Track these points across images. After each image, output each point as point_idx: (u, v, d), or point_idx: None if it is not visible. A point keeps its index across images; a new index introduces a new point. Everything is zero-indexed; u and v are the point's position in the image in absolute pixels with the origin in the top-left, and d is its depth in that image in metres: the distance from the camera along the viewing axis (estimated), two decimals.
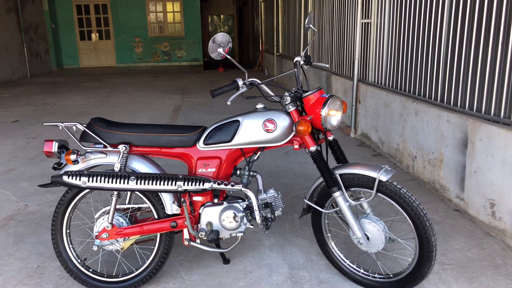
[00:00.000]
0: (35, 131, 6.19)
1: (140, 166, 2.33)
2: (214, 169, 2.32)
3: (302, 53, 2.52)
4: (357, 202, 2.28)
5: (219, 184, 2.23)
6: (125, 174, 2.18)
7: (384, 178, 2.12)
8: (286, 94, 2.27)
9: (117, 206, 2.42)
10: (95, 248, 2.32)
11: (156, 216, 2.35)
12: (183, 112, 7.50)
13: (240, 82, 2.18)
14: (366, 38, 5.39)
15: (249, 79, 2.24)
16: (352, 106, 5.59)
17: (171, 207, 2.31)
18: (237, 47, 22.21)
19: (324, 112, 2.17)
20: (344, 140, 5.52)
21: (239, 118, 2.30)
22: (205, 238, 2.27)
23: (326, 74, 6.94)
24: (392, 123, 4.54)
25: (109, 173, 2.18)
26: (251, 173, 2.37)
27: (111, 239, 2.30)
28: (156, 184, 2.18)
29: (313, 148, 2.26)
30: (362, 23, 5.41)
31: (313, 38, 2.60)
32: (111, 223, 2.29)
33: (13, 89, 10.87)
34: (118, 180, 2.16)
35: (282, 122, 2.25)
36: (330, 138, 2.38)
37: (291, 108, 2.25)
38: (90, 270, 2.40)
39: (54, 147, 2.27)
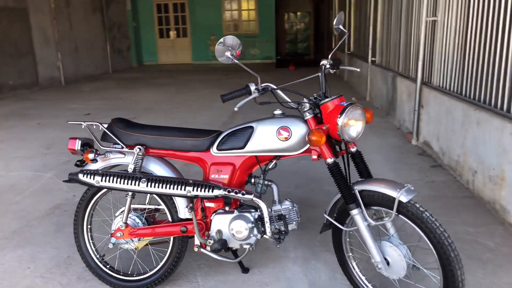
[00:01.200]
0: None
1: (156, 168, 2.31)
2: (227, 176, 2.24)
3: (330, 55, 2.35)
4: (377, 223, 2.07)
5: (229, 192, 2.14)
6: (137, 175, 2.17)
7: (404, 198, 1.90)
8: (305, 100, 2.12)
9: (136, 206, 2.44)
10: (110, 246, 2.34)
11: (170, 219, 2.32)
12: (244, 111, 7.49)
13: (253, 87, 2.07)
14: (432, 37, 4.98)
15: (263, 84, 2.12)
16: (414, 111, 5.21)
17: (184, 211, 2.27)
18: (313, 44, 21.92)
19: (341, 121, 1.99)
20: (404, 147, 5.16)
21: (253, 124, 2.19)
22: (210, 246, 2.19)
23: (392, 75, 6.55)
24: (453, 132, 4.14)
25: (122, 174, 2.18)
26: (266, 182, 2.26)
27: (125, 238, 2.32)
28: (166, 188, 2.14)
29: (330, 160, 2.09)
30: (428, 21, 5.00)
31: (343, 39, 2.40)
32: (125, 223, 2.30)
33: (94, 84, 11.62)
34: (129, 181, 2.16)
35: (298, 130, 2.11)
36: (353, 149, 2.19)
37: (308, 116, 2.10)
38: (108, 266, 2.44)
39: (77, 145, 2.33)
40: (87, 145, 2.33)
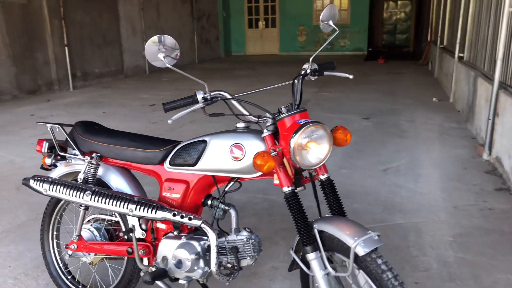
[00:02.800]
0: (160, 116, 6.58)
1: (114, 179, 2.12)
2: (179, 195, 1.96)
3: (311, 58, 1.94)
4: (336, 273, 1.65)
5: (174, 215, 1.86)
6: (82, 187, 1.99)
7: (361, 251, 1.47)
8: (268, 114, 1.76)
9: (101, 217, 2.27)
10: (67, 257, 2.21)
11: (125, 237, 2.12)
12: (308, 107, 7.07)
13: (200, 95, 1.75)
14: None
15: (214, 92, 1.79)
16: (488, 119, 4.40)
17: (138, 229, 2.05)
18: (413, 35, 20.36)
19: (292, 143, 1.60)
20: (471, 162, 4.40)
21: (207, 138, 1.88)
22: (144, 277, 1.93)
23: (474, 75, 5.67)
24: None
25: (69, 184, 2.02)
26: (223, 206, 1.93)
27: (79, 252, 2.16)
28: (109, 204, 1.93)
29: (285, 189, 1.71)
30: (511, 12, 4.15)
31: (331, 38, 1.97)
32: (79, 235, 2.14)
33: (175, 74, 11.94)
34: (74, 192, 1.98)
35: (253, 149, 1.75)
36: (322, 177, 1.78)
37: (266, 133, 1.73)
38: (69, 277, 2.32)
39: (44, 147, 2.22)
40: (55, 148, 2.20)
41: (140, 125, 6.05)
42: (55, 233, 2.34)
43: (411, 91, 8.49)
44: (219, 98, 1.77)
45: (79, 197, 1.97)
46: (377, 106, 7.09)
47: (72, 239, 2.14)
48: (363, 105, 7.22)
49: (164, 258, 1.93)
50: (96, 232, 2.19)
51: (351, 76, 1.98)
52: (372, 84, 9.39)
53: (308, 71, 1.94)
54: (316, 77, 1.94)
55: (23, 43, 8.12)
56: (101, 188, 1.99)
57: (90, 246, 2.13)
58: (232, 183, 1.91)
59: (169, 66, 1.67)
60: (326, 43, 1.98)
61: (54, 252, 2.34)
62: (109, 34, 10.36)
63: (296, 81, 1.91)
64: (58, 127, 2.16)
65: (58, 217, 2.32)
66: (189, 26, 14.15)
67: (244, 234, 1.88)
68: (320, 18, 1.95)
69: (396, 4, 21.58)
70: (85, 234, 2.17)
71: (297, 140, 1.61)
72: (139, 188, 2.13)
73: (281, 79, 10.55)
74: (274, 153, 1.67)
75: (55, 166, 2.18)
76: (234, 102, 1.79)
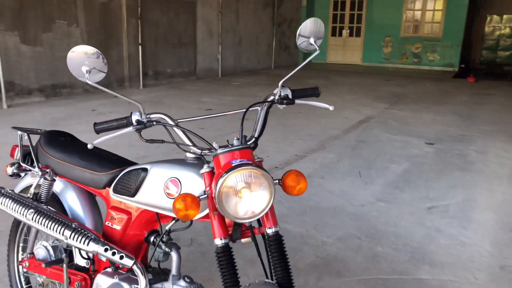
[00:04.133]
0: (209, 122, 6.46)
1: (70, 198, 1.96)
2: (119, 227, 1.73)
3: (281, 82, 1.60)
4: None
5: (106, 250, 1.63)
6: (28, 203, 1.84)
7: None
8: (215, 145, 1.46)
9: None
10: (21, 273, 2.09)
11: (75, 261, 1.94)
12: (367, 126, 6.56)
13: (136, 117, 1.50)
14: None
15: (154, 115, 1.53)
16: None
17: (78, 257, 1.86)
18: None
19: (218, 187, 1.29)
20: None
21: (148, 166, 1.62)
22: None
23: None
24: None
25: (15, 198, 1.88)
26: (164, 247, 1.66)
27: (30, 270, 2.03)
28: (46, 227, 1.75)
29: (218, 241, 1.40)
30: None
31: (310, 58, 1.62)
32: (31, 253, 2.01)
33: (247, 78, 11.88)
34: (18, 209, 1.84)
35: (189, 187, 1.47)
36: (269, 230, 1.44)
37: (204, 169, 1.44)
38: None
39: (17, 154, 2.12)
40: (22, 158, 2.09)
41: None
42: (21, 244, 2.23)
43: (494, 116, 7.53)
44: (154, 123, 1.51)
45: (22, 215, 1.82)
46: (448, 131, 6.34)
47: (23, 257, 2.01)
48: (432, 127, 6.51)
49: None
50: (52, 252, 2.03)
51: (331, 108, 1.61)
52: (450, 105, 8.51)
53: (277, 97, 1.61)
54: (284, 105, 1.60)
55: (100, 40, 8.51)
56: (45, 208, 1.82)
57: (39, 267, 1.97)
58: (174, 221, 1.64)
59: (89, 81, 1.43)
60: (302, 65, 1.63)
61: (16, 265, 2.23)
62: (184, 35, 10.56)
63: (259, 108, 1.59)
64: (26, 135, 2.04)
65: (25, 228, 2.21)
66: (268, 31, 14.03)
67: (181, 284, 1.59)
68: (298, 31, 1.60)
69: (500, 18, 19.68)
70: (41, 252, 2.02)
71: (223, 184, 1.30)
72: (93, 212, 1.94)
73: (354, 90, 9.99)
74: (204, 196, 1.37)
75: (19, 175, 2.05)
76: (176, 129, 1.52)
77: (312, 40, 1.60)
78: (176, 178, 1.50)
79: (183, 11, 10.39)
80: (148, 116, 1.52)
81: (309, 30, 1.61)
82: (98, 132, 1.52)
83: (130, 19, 8.97)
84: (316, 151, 5.21)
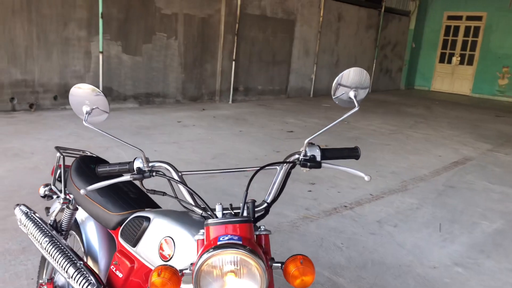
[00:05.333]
0: (289, 145, 6.26)
1: (89, 230, 1.88)
2: (122, 275, 1.59)
3: (308, 140, 1.35)
4: None
5: None
6: (45, 231, 1.79)
7: None
8: (217, 207, 1.26)
9: None
10: None
11: None
12: (462, 169, 5.86)
13: (138, 164, 1.36)
14: None
15: (158, 163, 1.36)
16: None
17: None
18: None
19: (198, 265, 1.08)
20: None
21: (152, 216, 1.47)
22: None
23: None
24: None
25: (37, 223, 1.84)
26: None
27: None
28: (54, 259, 1.68)
29: None
30: None
31: (348, 114, 1.34)
32: (49, 279, 1.96)
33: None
34: (36, 234, 1.79)
35: (183, 252, 1.28)
36: None
37: (199, 235, 1.24)
38: None
39: (55, 173, 2.11)
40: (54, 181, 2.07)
41: (262, 151, 5.83)
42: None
43: None
44: (155, 174, 1.34)
45: (38, 241, 1.77)
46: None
47: (41, 281, 1.97)
48: None
49: None
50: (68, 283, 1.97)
51: (367, 178, 1.31)
52: None
53: (301, 157, 1.36)
54: (308, 169, 1.34)
55: (196, 54, 8.79)
56: (59, 239, 1.76)
57: None
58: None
59: (85, 123, 1.31)
60: (336, 122, 1.36)
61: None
62: (279, 53, 10.53)
63: (278, 168, 1.35)
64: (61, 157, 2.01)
65: None
66: (369, 53, 13.49)
67: None
68: (337, 80, 1.34)
69: None
70: (60, 279, 1.97)
71: (203, 263, 1.08)
72: (109, 251, 1.83)
73: (450, 125, 9.10)
74: (189, 271, 1.17)
75: (51, 197, 2.04)
76: (179, 185, 1.34)
77: (352, 94, 1.33)
78: (171, 239, 1.32)
79: (281, 30, 10.37)
80: (151, 165, 1.36)
81: (351, 80, 1.35)
82: (100, 174, 1.40)
83: (227, 35, 9.15)
84: (395, 193, 4.73)
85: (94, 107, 1.32)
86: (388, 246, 3.48)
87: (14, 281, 2.57)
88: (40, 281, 2.01)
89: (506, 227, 4.02)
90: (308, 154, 1.35)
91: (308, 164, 1.33)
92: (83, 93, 1.32)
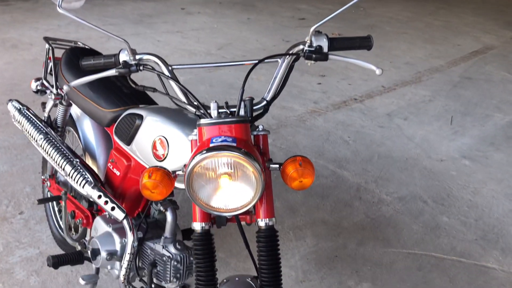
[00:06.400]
0: (300, 34, 5.92)
1: (86, 127, 1.83)
2: (119, 173, 1.56)
3: (313, 28, 1.20)
4: None
5: (99, 197, 1.49)
6: (40, 128, 1.73)
7: None
8: (212, 105, 1.15)
9: None
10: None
11: None
12: (481, 59, 5.55)
13: (124, 56, 1.22)
14: None
15: (145, 56, 1.24)
16: None
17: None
18: None
19: (189, 168, 1.02)
20: None
21: (144, 113, 1.39)
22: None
23: None
24: None
25: (31, 120, 1.78)
26: (158, 205, 1.47)
27: (51, 191, 1.98)
28: (50, 157, 1.64)
29: (196, 226, 1.17)
30: None
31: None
32: (51, 175, 1.95)
33: None
34: (31, 131, 1.74)
35: (177, 152, 1.22)
36: (261, 223, 1.17)
37: (194, 136, 1.16)
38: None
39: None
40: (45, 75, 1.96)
41: (271, 41, 5.56)
42: None
43: None
44: (142, 68, 1.22)
45: (33, 138, 1.73)
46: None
47: (43, 177, 1.97)
48: None
49: (91, 241, 1.61)
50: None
51: (378, 71, 1.18)
52: None
53: (306, 48, 1.21)
54: (312, 61, 1.20)
55: None
56: (54, 136, 1.71)
57: (57, 191, 1.93)
58: None
59: (59, 9, 1.15)
60: (349, 5, 1.19)
61: None
62: None
63: (279, 60, 1.22)
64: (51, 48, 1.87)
65: None
66: None
67: (171, 249, 1.42)
68: None
69: None
70: (62, 178, 1.96)
71: (195, 165, 1.01)
72: (106, 148, 1.78)
73: (478, 12, 8.50)
74: (180, 172, 1.11)
75: (44, 92, 1.94)
76: (170, 81, 1.22)
77: None
78: (165, 138, 1.25)
79: None
80: (138, 57, 1.23)
81: None
82: (84, 68, 1.28)
83: None
84: (408, 84, 4.56)
85: None
86: (396, 140, 3.43)
87: (22, 175, 2.62)
88: (43, 177, 2.01)
89: None
90: (314, 44, 1.20)
91: (313, 56, 1.19)
92: None
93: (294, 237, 2.37)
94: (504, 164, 3.19)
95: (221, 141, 1.02)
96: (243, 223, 1.22)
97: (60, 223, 2.03)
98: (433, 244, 2.38)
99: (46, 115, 1.85)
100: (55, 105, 1.85)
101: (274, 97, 1.21)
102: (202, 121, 1.09)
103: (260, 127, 1.17)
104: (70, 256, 1.58)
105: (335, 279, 2.12)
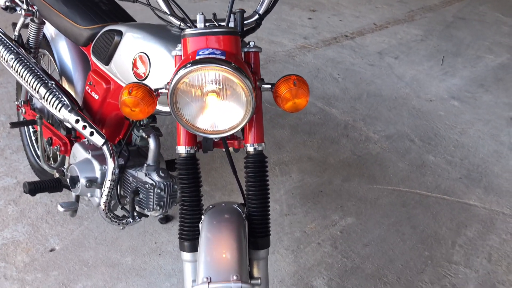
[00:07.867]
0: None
1: (62, 48, 1.69)
2: (98, 96, 1.46)
3: None
4: None
5: (77, 121, 1.40)
6: (11, 48, 1.60)
7: None
8: (199, 17, 1.04)
9: None
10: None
11: None
12: None
13: None
14: None
15: None
16: None
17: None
18: None
19: (173, 82, 0.94)
20: None
21: (123, 29, 1.27)
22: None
23: None
24: None
25: (2, 41, 1.64)
26: (140, 131, 1.39)
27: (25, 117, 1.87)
28: (23, 79, 1.52)
29: (180, 149, 1.09)
30: None
31: None
32: (25, 101, 1.84)
33: None
34: (2, 54, 1.60)
35: (159, 69, 1.12)
36: (250, 148, 1.11)
37: (177, 51, 1.06)
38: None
39: None
40: None
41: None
42: None
43: None
44: None
45: (4, 59, 1.60)
46: None
47: (17, 103, 1.86)
48: None
49: (70, 168, 1.53)
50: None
51: None
52: None
53: None
54: None
55: None
56: (27, 57, 1.58)
57: (32, 117, 1.83)
58: None
59: None
60: None
61: None
62: None
63: None
64: None
65: None
66: None
67: (154, 177, 1.36)
68: None
69: None
70: (37, 102, 1.85)
71: (179, 80, 0.93)
72: (84, 70, 1.67)
73: None
74: (163, 90, 1.02)
75: (14, 10, 1.78)
76: None
77: None
78: (146, 55, 1.15)
79: None
80: None
81: None
82: None
83: None
84: (400, 23, 4.42)
85: None
86: (386, 78, 3.36)
87: None
88: (17, 102, 1.89)
89: (511, 62, 3.86)
90: None
91: None
92: None
93: (280, 172, 2.34)
94: (492, 105, 3.17)
95: (208, 54, 0.93)
96: (230, 149, 1.16)
97: (38, 152, 1.94)
98: (418, 182, 2.38)
99: (16, 33, 1.70)
100: (26, 24, 1.70)
101: (267, 11, 1.11)
102: (187, 31, 0.99)
103: (252, 44, 1.07)
104: (47, 183, 1.51)
105: (319, 213, 2.12)
